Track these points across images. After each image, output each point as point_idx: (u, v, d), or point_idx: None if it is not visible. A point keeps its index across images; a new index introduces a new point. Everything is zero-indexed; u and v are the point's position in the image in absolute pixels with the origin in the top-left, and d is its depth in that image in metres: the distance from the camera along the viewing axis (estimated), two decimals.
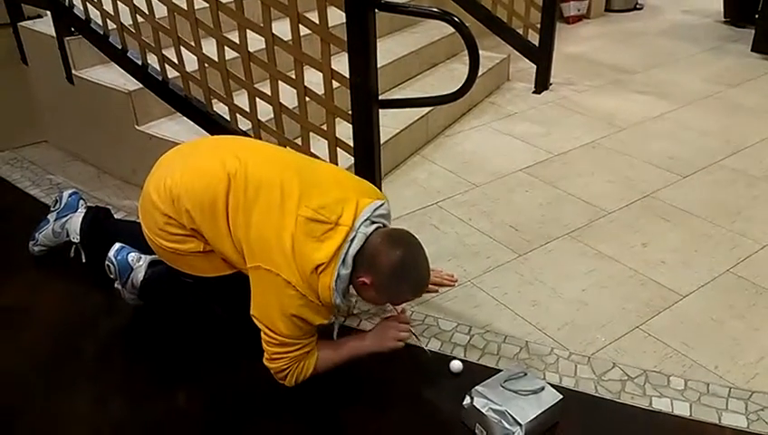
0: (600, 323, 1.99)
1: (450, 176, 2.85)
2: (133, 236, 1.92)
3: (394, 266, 1.55)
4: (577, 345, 1.91)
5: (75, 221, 2.22)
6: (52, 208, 2.29)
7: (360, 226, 1.58)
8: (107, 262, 2.00)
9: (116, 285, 2.00)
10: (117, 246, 2.01)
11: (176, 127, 2.58)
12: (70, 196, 2.29)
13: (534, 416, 1.57)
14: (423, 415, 1.71)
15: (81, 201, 2.29)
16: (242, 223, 1.61)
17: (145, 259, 1.98)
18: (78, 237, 2.20)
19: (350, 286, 1.61)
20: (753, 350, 1.87)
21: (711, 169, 2.85)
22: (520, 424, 1.55)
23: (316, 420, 1.70)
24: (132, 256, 1.98)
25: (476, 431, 1.62)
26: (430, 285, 2.06)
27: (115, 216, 2.40)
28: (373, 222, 1.61)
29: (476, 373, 1.76)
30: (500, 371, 1.73)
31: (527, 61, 3.69)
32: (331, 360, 1.72)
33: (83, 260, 2.23)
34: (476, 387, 1.65)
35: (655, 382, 1.77)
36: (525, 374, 1.69)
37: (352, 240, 1.56)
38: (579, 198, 2.65)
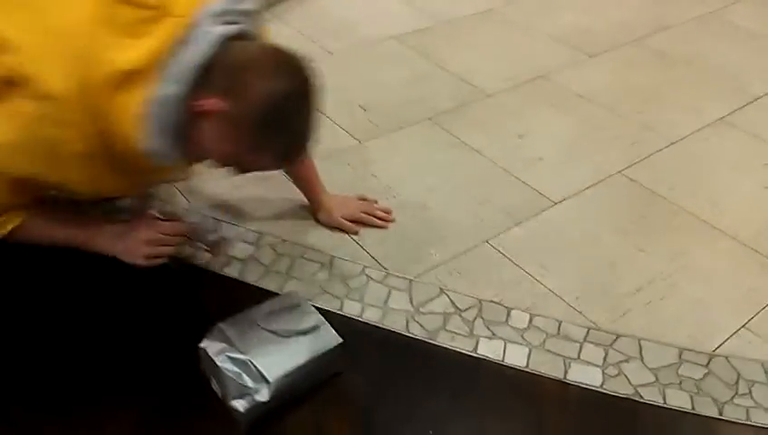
0: (440, 234, 1.48)
1: (302, 41, 2.22)
2: None
3: (273, 98, 0.96)
4: (399, 264, 1.39)
5: None
6: None
7: (205, 20, 0.96)
8: None
9: None
10: None
11: None
12: None
13: (291, 369, 1.07)
14: (155, 358, 1.18)
15: None
16: None
17: None
18: None
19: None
20: (631, 277, 1.40)
21: (626, 48, 2.30)
22: (267, 381, 1.05)
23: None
24: None
25: (213, 386, 1.11)
26: (350, 224, 1.47)
27: None
28: (231, 22, 0.98)
29: (248, 301, 1.22)
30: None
31: None
32: (47, 235, 1.17)
33: None
34: (220, 323, 1.12)
35: (490, 317, 1.29)
36: (298, 305, 1.17)
37: (190, 42, 0.95)
38: (455, 75, 2.07)
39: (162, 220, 1.22)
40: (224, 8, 0.98)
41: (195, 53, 0.95)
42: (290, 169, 1.44)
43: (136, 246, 1.18)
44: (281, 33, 2.25)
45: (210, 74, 0.95)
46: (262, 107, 0.96)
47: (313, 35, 2.26)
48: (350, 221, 1.47)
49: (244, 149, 1.00)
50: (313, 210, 1.48)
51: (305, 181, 1.46)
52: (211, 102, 0.95)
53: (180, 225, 1.23)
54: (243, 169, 1.07)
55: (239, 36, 1.00)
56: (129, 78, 0.93)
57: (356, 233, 1.46)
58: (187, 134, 0.99)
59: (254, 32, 1.04)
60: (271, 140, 1.00)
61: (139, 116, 0.95)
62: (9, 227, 1.10)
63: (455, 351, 1.22)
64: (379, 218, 1.49)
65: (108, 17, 0.94)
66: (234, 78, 0.96)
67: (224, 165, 1.07)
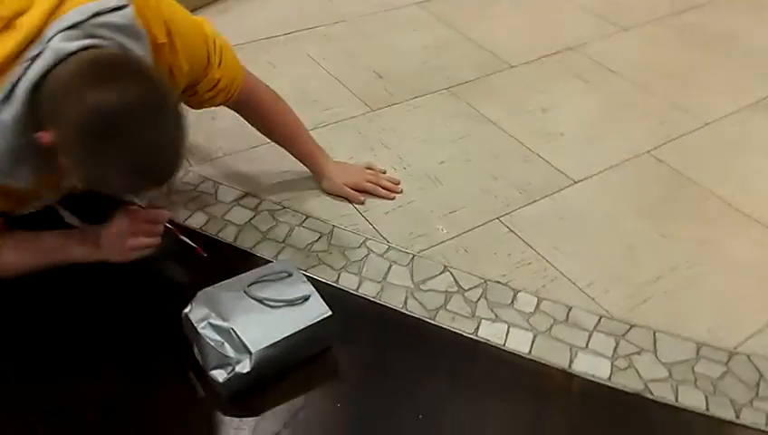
0: (449, 207, 1.40)
1: (320, 3, 2.14)
2: None
3: (82, 119, 0.82)
4: (403, 238, 1.32)
5: None
6: None
7: (55, 34, 0.85)
8: None
9: None
10: None
11: None
12: None
13: (276, 340, 1.00)
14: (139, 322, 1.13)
15: None
16: None
17: None
18: None
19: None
20: (652, 264, 1.30)
21: (660, 21, 2.16)
22: (249, 351, 0.99)
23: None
24: None
25: (195, 353, 1.05)
26: (354, 192, 1.38)
27: None
28: (90, 34, 0.87)
29: (240, 267, 1.15)
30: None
31: None
32: (25, 264, 1.08)
33: None
34: (206, 289, 1.06)
35: (495, 299, 1.21)
36: (290, 275, 1.10)
37: (34, 59, 0.84)
38: (479, 45, 1.97)
39: (142, 208, 1.11)
40: (80, 19, 0.86)
41: (31, 73, 0.84)
42: (276, 137, 1.36)
43: (118, 240, 1.07)
44: None
45: (44, 97, 0.84)
46: (81, 128, 0.82)
47: None
48: (355, 190, 1.39)
49: (88, 174, 0.88)
50: (316, 178, 1.41)
51: (299, 148, 1.38)
52: (44, 135, 0.84)
53: (163, 212, 1.12)
54: (108, 193, 0.96)
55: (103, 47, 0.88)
56: None
57: (361, 202, 1.39)
58: (50, 159, 0.88)
59: (117, 45, 0.90)
60: (106, 162, 0.85)
61: None
62: None
63: (454, 332, 1.14)
64: (386, 189, 1.41)
65: None
66: (54, 103, 0.84)
67: (90, 189, 0.96)
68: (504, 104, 1.72)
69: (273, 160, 1.46)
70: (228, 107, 1.25)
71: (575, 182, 1.48)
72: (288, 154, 1.40)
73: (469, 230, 1.35)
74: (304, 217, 1.35)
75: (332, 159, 1.42)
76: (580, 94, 1.79)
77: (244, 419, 1.00)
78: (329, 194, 1.40)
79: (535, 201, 1.43)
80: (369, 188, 1.40)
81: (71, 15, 0.87)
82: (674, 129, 1.67)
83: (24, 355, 1.07)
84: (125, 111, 0.83)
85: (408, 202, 1.40)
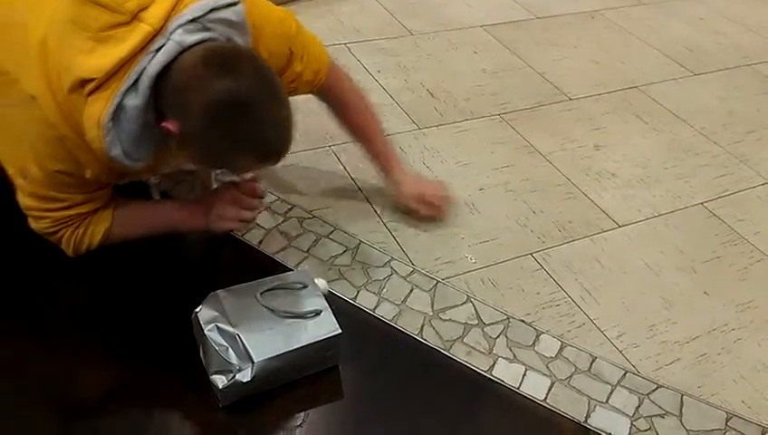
0: (482, 237, 1.35)
1: (385, 16, 2.13)
2: None
3: (209, 107, 0.88)
4: (429, 262, 1.28)
5: None
6: None
7: (176, 28, 0.89)
8: None
9: None
10: None
11: None
12: None
13: (281, 352, 0.98)
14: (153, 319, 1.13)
15: None
16: None
17: None
18: None
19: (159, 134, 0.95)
20: (689, 322, 1.22)
21: (736, 71, 2.06)
22: (252, 360, 0.97)
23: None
24: None
25: (201, 355, 1.04)
26: (416, 206, 1.36)
27: None
28: (206, 28, 0.92)
29: (260, 272, 1.14)
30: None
31: None
32: (132, 231, 1.14)
33: None
34: (218, 291, 1.05)
35: (515, 338, 1.15)
36: (305, 286, 1.08)
37: (158, 50, 0.89)
38: (539, 73, 1.92)
39: (238, 183, 1.16)
40: (199, 15, 0.91)
41: (156, 64, 0.89)
42: (351, 130, 1.34)
43: (225, 210, 1.14)
44: (365, 4, 2.18)
45: (167, 88, 0.90)
46: (205, 115, 0.89)
47: (396, 11, 2.16)
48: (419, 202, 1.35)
49: (213, 159, 0.99)
50: (385, 181, 1.37)
51: (373, 145, 1.35)
52: (169, 123, 0.91)
53: (260, 187, 1.17)
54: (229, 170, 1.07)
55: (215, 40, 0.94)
56: (92, 86, 0.88)
57: (421, 218, 1.35)
58: (164, 141, 0.96)
59: (228, 38, 0.95)
60: (225, 145, 0.93)
61: (102, 125, 0.89)
62: (98, 238, 1.09)
63: (467, 366, 1.10)
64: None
65: (76, 18, 0.88)
66: (176, 97, 0.90)
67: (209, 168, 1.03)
68: (555, 137, 1.66)
69: (313, 168, 1.45)
70: (312, 93, 1.28)
71: (619, 226, 1.42)
72: (326, 164, 1.39)
73: (499, 263, 1.30)
74: (332, 228, 1.33)
75: (405, 167, 1.38)
76: (638, 135, 1.71)
77: (239, 431, 0.98)
78: (393, 203, 1.37)
79: (573, 241, 1.37)
80: (434, 203, 1.36)
81: (191, 11, 0.91)
82: (733, 182, 1.58)
83: (42, 326, 1.08)
84: (249, 97, 0.89)
85: (442, 226, 1.37)
